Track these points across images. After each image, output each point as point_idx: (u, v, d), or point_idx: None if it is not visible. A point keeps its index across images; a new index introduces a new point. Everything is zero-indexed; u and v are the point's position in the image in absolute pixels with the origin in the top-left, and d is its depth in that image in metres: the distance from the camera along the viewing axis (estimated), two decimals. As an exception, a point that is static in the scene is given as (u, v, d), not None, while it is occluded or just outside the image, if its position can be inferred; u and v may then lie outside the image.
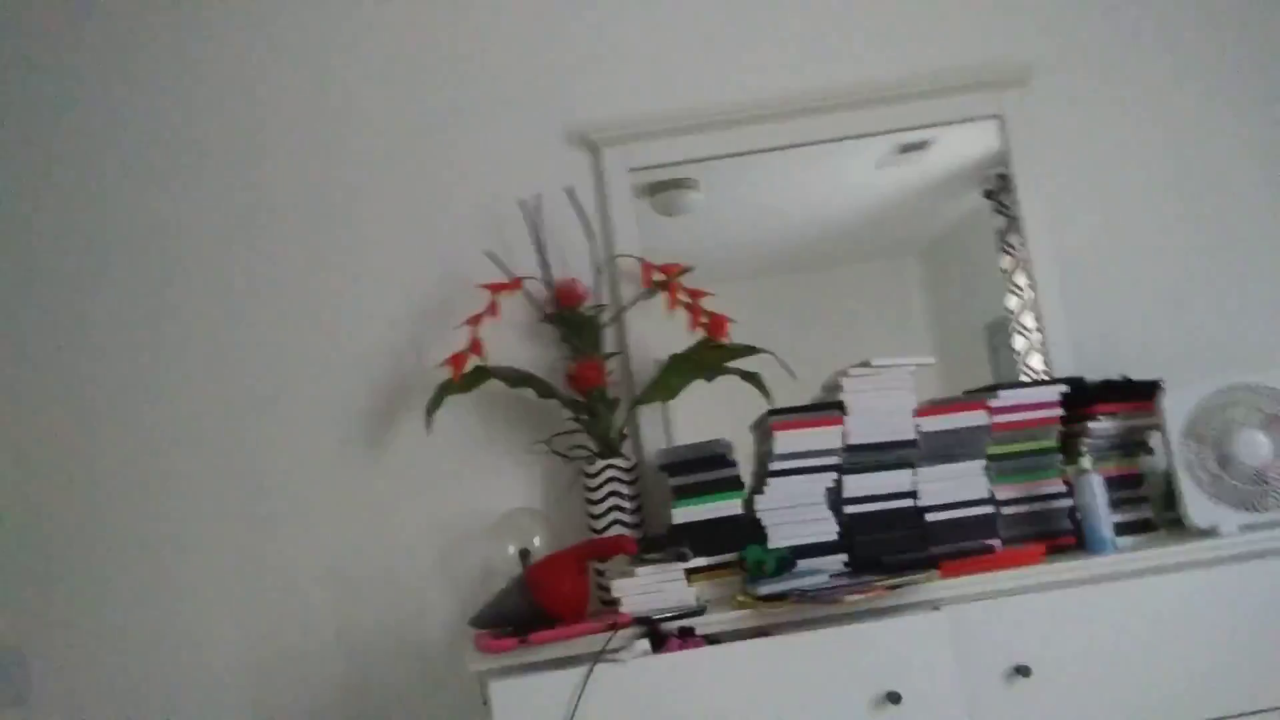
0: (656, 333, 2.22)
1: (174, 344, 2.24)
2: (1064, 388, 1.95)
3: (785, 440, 1.91)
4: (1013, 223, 2.29)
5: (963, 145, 2.31)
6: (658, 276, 2.18)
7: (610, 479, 2.02)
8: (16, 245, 2.26)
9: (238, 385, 2.22)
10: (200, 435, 2.21)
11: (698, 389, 2.13)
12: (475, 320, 2.13)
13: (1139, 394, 1.95)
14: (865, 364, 1.93)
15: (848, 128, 2.29)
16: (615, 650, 1.64)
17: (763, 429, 2.00)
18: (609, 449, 2.08)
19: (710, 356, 2.09)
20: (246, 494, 2.19)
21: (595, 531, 2.02)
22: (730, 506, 1.93)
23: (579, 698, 1.59)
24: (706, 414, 2.18)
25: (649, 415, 2.18)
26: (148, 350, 2.23)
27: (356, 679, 2.14)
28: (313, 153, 2.30)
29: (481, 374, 2.09)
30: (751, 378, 2.06)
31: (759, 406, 2.00)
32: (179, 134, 2.30)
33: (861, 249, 2.30)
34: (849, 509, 1.91)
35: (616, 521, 2.01)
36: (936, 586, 1.71)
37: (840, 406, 1.93)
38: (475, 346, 2.12)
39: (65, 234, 2.26)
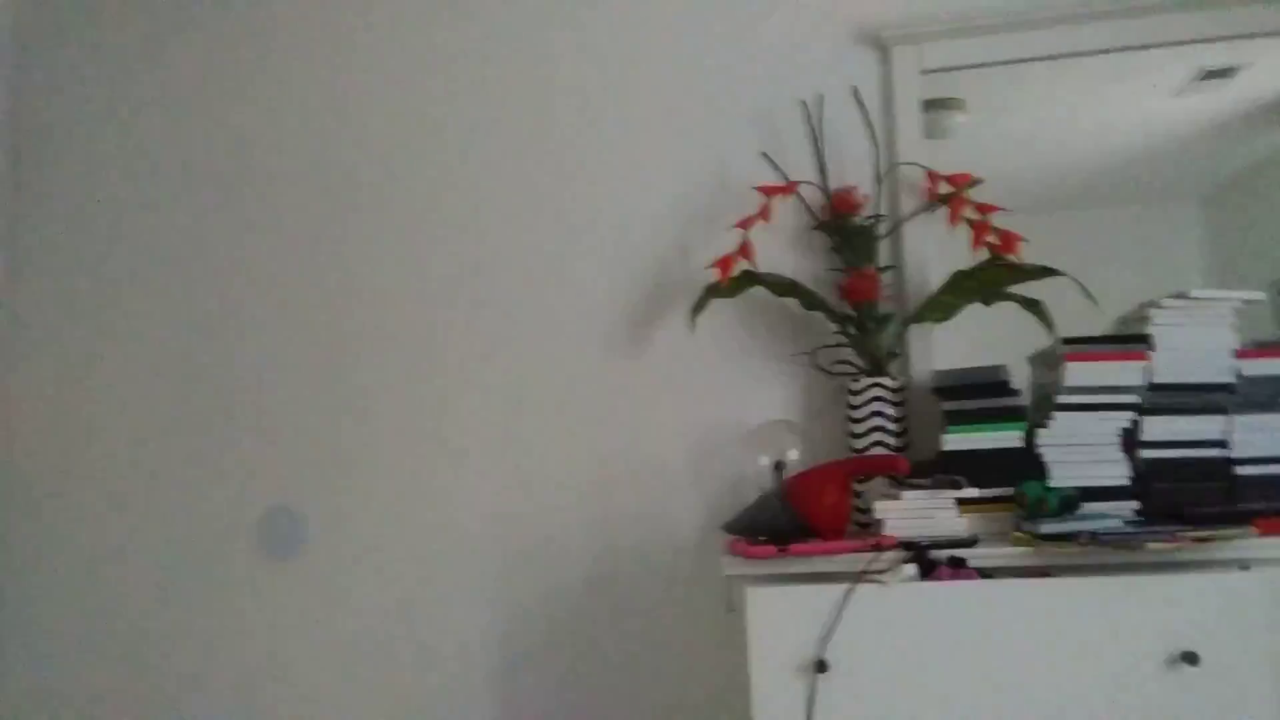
0: (934, 249, 2.08)
1: (448, 237, 2.29)
2: None
3: (1078, 372, 1.74)
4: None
5: (1274, 75, 2.00)
6: (944, 188, 2.03)
7: (876, 398, 1.92)
8: (289, 133, 2.37)
9: (508, 281, 2.26)
10: (470, 321, 2.27)
11: (967, 315, 1.98)
12: (746, 223, 2.06)
13: None
14: (1181, 294, 1.72)
15: (1167, 33, 2.03)
16: (879, 571, 1.56)
17: (1048, 360, 1.83)
18: (876, 367, 1.97)
19: (997, 275, 1.93)
20: (511, 381, 2.24)
21: (855, 451, 1.93)
22: (1008, 438, 1.78)
23: (839, 614, 1.52)
24: (977, 341, 2.03)
25: (920, 335, 2.05)
26: (425, 242, 2.30)
27: (603, 571, 2.16)
28: (587, 48, 2.28)
29: (748, 279, 2.02)
30: (1033, 305, 1.89)
31: (1031, 339, 1.85)
32: (466, 37, 2.33)
33: (1134, 190, 2.05)
34: (1145, 453, 1.73)
35: (878, 443, 1.91)
36: (1249, 545, 1.52)
37: (1146, 340, 1.73)
38: (745, 250, 2.05)
39: (338, 131, 2.35)
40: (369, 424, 2.28)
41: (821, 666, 1.52)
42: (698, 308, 2.01)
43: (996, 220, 1.99)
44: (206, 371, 2.35)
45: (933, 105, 2.12)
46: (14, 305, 2.45)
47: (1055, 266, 1.89)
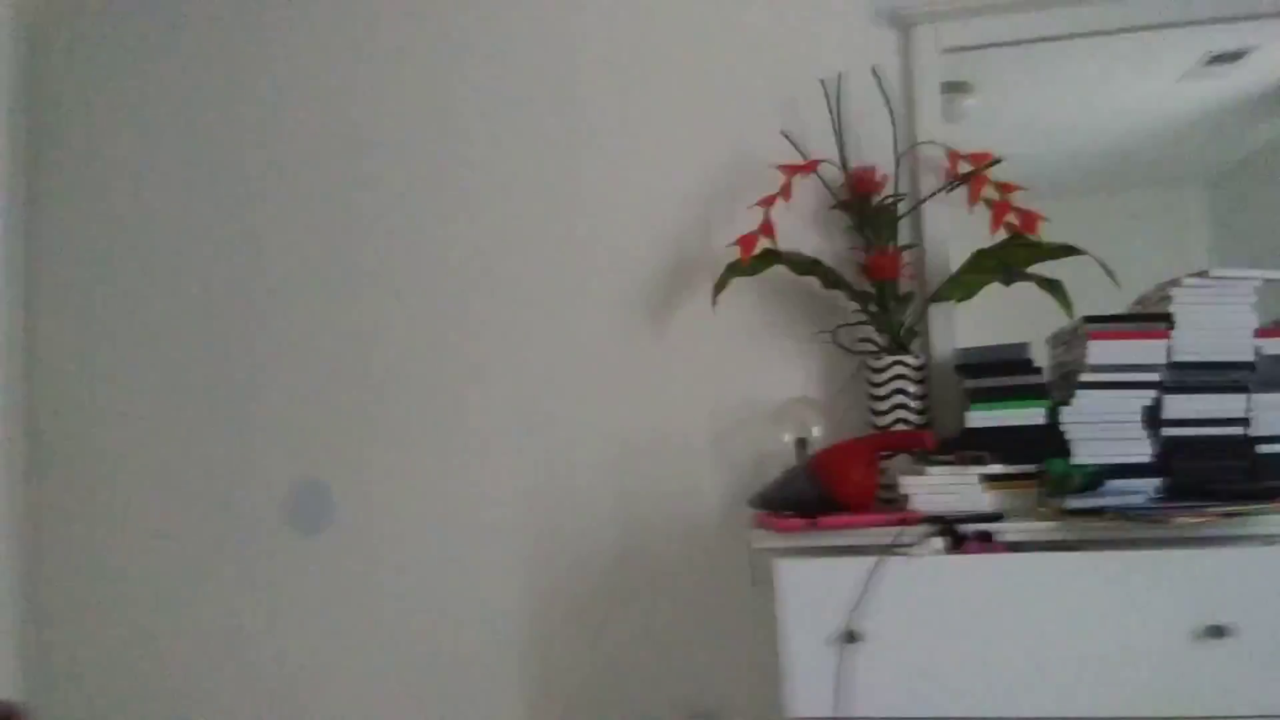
0: (954, 228, 2.09)
1: (469, 218, 2.29)
2: None
3: (1101, 350, 1.75)
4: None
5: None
6: (964, 167, 2.04)
7: (897, 375, 1.93)
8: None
9: (530, 261, 2.27)
10: (493, 301, 2.27)
11: (987, 295, 2.00)
12: (768, 202, 2.06)
13: None
14: (1202, 274, 1.74)
15: (1176, 13, 2.04)
16: (907, 545, 1.57)
17: (1069, 339, 1.85)
18: (897, 344, 1.98)
19: (1019, 255, 1.94)
20: (535, 360, 2.24)
21: (877, 428, 1.94)
22: (1031, 415, 1.80)
23: (866, 586, 1.54)
24: (993, 322, 2.05)
25: (940, 314, 2.07)
26: (447, 223, 2.30)
27: (628, 547, 2.17)
28: (608, 29, 2.28)
29: (770, 257, 2.03)
30: (1053, 285, 1.91)
31: (1049, 319, 1.87)
32: (489, 17, 2.33)
33: (1142, 174, 2.07)
34: (1168, 431, 1.75)
35: (900, 420, 1.92)
36: (1275, 521, 1.54)
37: (1168, 319, 1.75)
38: (766, 228, 2.06)
39: (357, 116, 2.35)
40: (395, 404, 2.28)
41: (851, 637, 1.54)
42: (719, 286, 2.02)
43: (1016, 200, 2.00)
44: (233, 351, 2.35)
45: (946, 88, 2.13)
46: (36, 291, 2.43)
47: (1074, 246, 1.90)
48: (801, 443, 1.94)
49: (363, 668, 2.24)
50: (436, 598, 2.22)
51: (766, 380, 2.14)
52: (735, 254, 2.12)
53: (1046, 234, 1.97)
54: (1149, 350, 1.75)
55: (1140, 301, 1.89)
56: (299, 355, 2.32)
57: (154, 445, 2.35)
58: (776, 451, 2.02)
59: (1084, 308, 1.85)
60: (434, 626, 2.22)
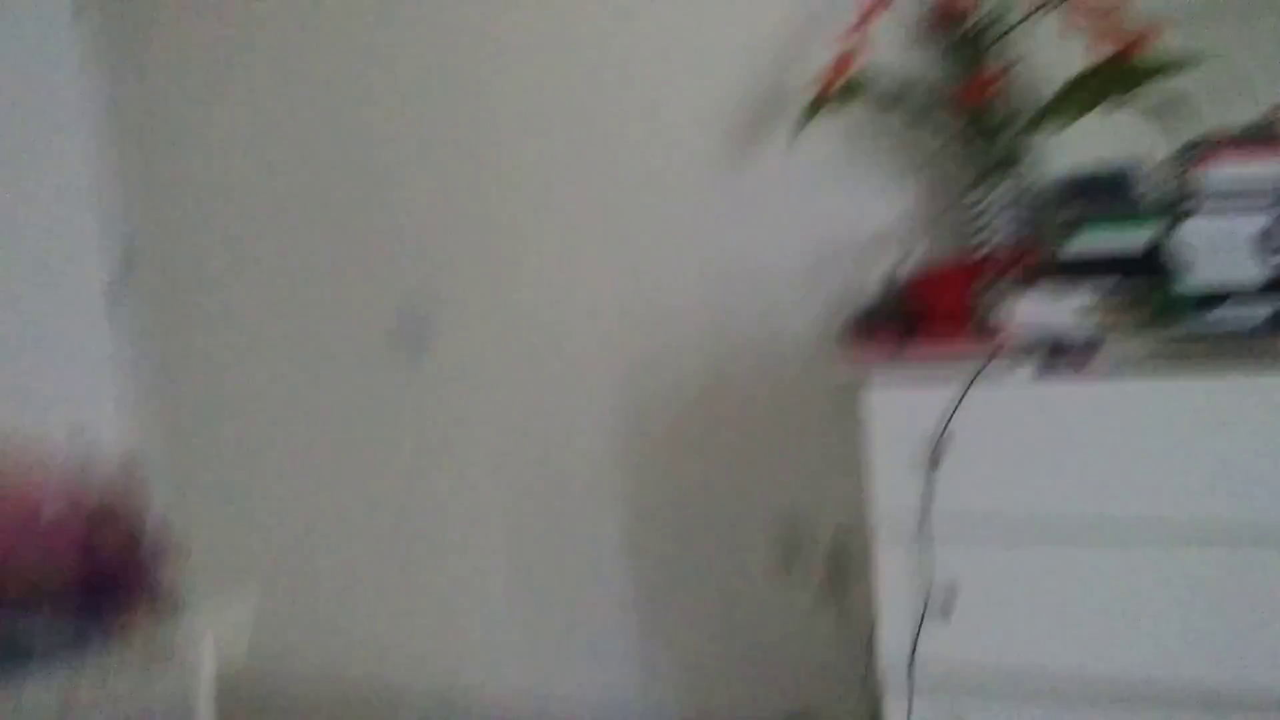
0: (1056, 48, 1.96)
1: (548, 51, 2.27)
2: None
3: (1218, 169, 1.64)
4: None
5: None
6: (1067, -19, 1.90)
7: (996, 202, 1.85)
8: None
9: (613, 93, 2.24)
10: (576, 136, 2.27)
11: (1095, 117, 1.88)
12: (853, 30, 1.96)
13: None
14: (1337, 79, 1.61)
15: None
16: (1003, 370, 1.52)
17: (1185, 158, 1.74)
18: (997, 172, 1.89)
19: (1126, 74, 1.81)
20: (618, 195, 2.25)
21: (974, 256, 1.87)
22: (1137, 238, 1.70)
23: (958, 411, 1.50)
24: (1101, 147, 1.93)
25: (1043, 138, 1.95)
26: (524, 54, 2.29)
27: (720, 371, 2.20)
28: None
29: (858, 86, 1.94)
30: (1167, 104, 1.79)
31: (1160, 144, 1.76)
32: None
33: None
34: (1286, 252, 1.64)
35: (1000, 247, 1.84)
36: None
37: (1291, 133, 1.63)
38: (854, 57, 1.96)
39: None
40: (489, 233, 2.33)
41: (938, 462, 1.51)
42: (807, 117, 1.94)
43: (1124, 15, 1.86)
44: (332, 188, 2.43)
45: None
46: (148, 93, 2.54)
47: (1189, 60, 1.77)
48: (895, 272, 1.88)
49: (466, 488, 2.33)
50: (536, 420, 2.31)
51: (859, 213, 2.09)
52: (822, 85, 2.04)
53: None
54: (1269, 168, 1.63)
55: (1263, 119, 1.76)
56: (397, 186, 2.39)
57: (265, 268, 2.49)
58: (870, 282, 1.98)
59: (1201, 128, 1.73)
60: (534, 447, 2.31)
